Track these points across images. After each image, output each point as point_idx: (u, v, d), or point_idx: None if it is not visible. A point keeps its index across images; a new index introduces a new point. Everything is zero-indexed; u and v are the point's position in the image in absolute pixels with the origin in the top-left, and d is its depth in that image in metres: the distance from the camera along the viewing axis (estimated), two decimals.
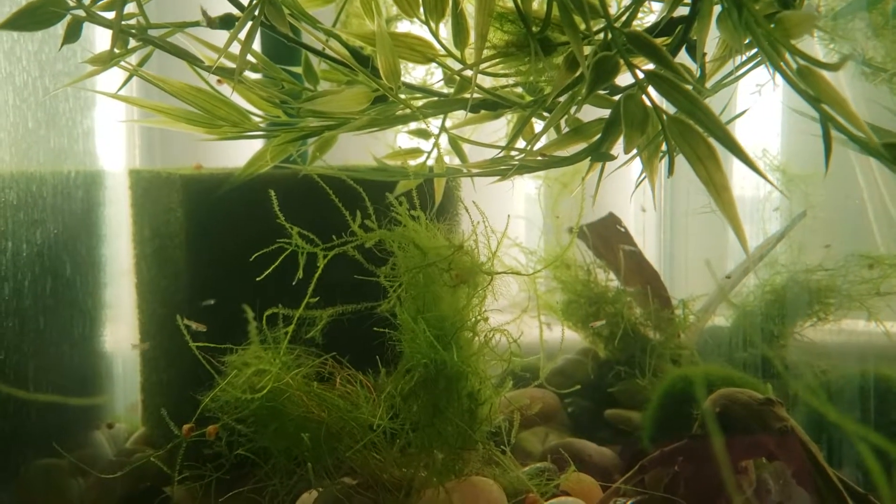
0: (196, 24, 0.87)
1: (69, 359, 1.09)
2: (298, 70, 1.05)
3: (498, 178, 0.91)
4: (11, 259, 0.87)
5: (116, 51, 0.82)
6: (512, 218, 1.65)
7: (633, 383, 1.27)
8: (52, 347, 1.01)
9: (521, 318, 0.96)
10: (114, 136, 1.38)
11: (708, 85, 0.90)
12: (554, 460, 0.94)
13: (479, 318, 0.77)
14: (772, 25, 0.76)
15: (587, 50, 0.79)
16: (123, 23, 0.81)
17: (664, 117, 0.70)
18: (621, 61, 0.73)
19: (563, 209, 1.46)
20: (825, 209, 1.40)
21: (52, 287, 0.98)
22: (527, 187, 1.68)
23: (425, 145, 1.10)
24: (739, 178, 1.50)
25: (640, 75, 0.72)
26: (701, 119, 0.68)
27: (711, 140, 0.69)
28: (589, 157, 0.86)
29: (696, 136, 0.69)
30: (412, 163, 1.09)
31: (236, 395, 0.75)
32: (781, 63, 0.65)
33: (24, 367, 0.91)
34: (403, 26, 1.33)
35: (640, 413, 1.21)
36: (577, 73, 0.79)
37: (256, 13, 0.82)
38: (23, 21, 0.66)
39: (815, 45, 1.21)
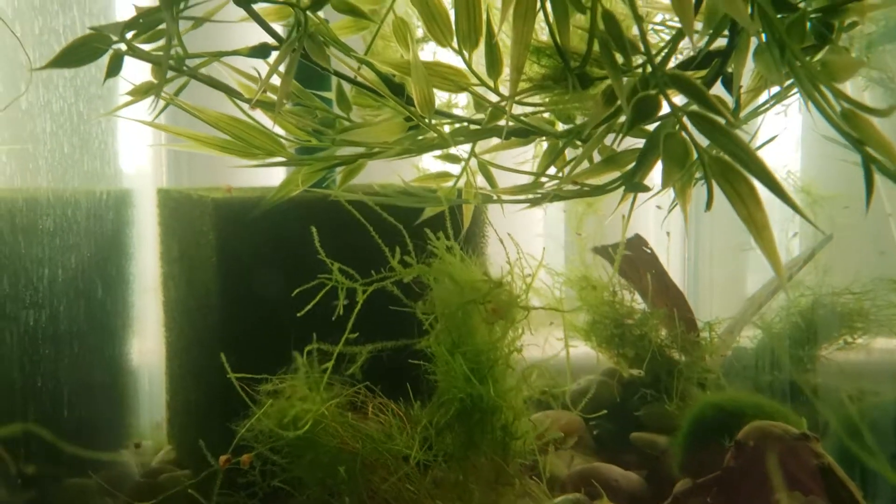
0: (234, 53, 0.87)
1: (100, 380, 1.10)
2: (328, 95, 1.05)
3: (528, 205, 0.92)
4: (48, 286, 0.88)
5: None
6: (534, 235, 1.65)
7: (659, 406, 1.27)
8: (85, 371, 1.02)
9: (547, 340, 0.97)
10: (141, 153, 1.39)
11: (742, 114, 0.90)
12: (585, 491, 0.94)
13: (513, 350, 0.77)
14: (809, 58, 0.76)
15: (624, 80, 0.79)
16: (160, 53, 0.81)
17: (706, 157, 0.70)
18: (661, 98, 0.73)
19: (587, 228, 1.46)
20: (851, 231, 1.39)
21: (85, 310, 0.99)
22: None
23: (453, 167, 1.11)
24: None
25: (677, 108, 0.72)
26: (743, 159, 0.67)
27: (751, 178, 0.69)
28: (622, 187, 0.86)
29: (737, 176, 0.69)
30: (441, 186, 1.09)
31: (272, 428, 0.75)
32: (823, 102, 0.65)
33: (59, 392, 0.92)
34: (430, 46, 1.33)
35: (666, 437, 1.21)
36: (615, 106, 0.79)
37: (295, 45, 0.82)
38: (69, 59, 0.67)
39: None
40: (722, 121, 0.68)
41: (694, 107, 0.71)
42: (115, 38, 0.71)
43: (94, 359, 1.06)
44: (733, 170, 0.69)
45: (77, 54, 0.68)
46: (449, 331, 0.75)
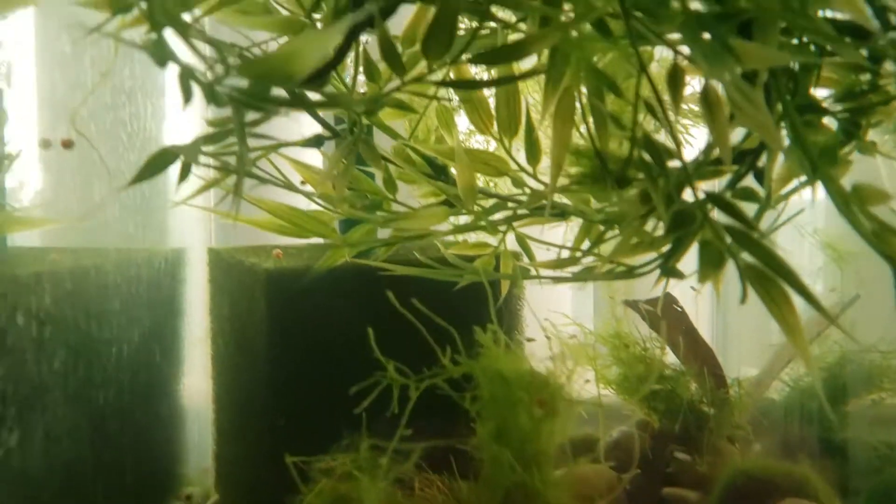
0: (289, 144, 0.93)
1: (157, 439, 1.15)
2: (373, 169, 1.11)
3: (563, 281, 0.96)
4: (115, 363, 0.93)
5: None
6: (563, 287, 1.68)
7: (689, 462, 1.30)
8: (145, 439, 1.07)
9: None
10: (191, 212, 1.45)
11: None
12: None
13: (557, 437, 0.82)
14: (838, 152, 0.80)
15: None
16: (220, 152, 0.87)
17: (741, 264, 0.74)
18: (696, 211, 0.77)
19: (617, 284, 1.50)
20: (877, 287, 1.41)
21: (145, 379, 1.05)
22: None
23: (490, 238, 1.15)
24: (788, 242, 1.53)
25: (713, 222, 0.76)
26: (777, 270, 0.72)
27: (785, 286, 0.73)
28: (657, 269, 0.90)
29: (771, 283, 0.73)
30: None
31: None
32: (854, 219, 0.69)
33: (123, 462, 0.98)
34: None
35: (696, 493, 1.24)
36: (651, 205, 0.83)
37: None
38: (147, 173, 0.73)
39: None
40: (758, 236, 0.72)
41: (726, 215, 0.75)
42: (189, 153, 0.76)
43: (152, 421, 1.12)
44: (767, 277, 0.73)
45: (153, 168, 0.74)
46: (493, 418, 0.80)
